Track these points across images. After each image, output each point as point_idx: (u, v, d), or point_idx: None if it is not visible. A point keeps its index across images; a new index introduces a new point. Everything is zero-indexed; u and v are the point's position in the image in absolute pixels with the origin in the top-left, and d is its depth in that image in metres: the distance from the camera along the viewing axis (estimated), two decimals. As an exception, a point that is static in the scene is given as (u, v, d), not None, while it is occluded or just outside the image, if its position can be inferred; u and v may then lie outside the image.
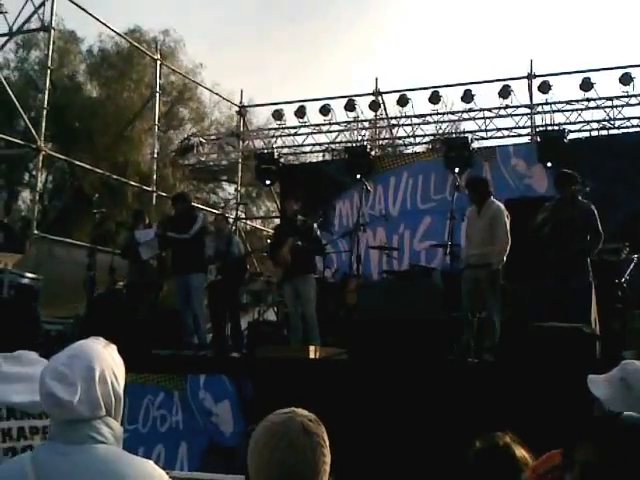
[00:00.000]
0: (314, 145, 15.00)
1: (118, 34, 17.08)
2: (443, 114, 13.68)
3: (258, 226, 19.96)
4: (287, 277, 8.31)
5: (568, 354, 5.56)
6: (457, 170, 11.46)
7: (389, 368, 6.19)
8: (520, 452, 2.52)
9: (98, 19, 13.82)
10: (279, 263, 8.30)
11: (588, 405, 2.47)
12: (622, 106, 12.36)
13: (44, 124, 12.15)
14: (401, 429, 5.66)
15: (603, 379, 2.47)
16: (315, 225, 8.48)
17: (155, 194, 15.16)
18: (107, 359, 2.02)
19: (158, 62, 15.72)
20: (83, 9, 13.08)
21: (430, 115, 13.64)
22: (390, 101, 14.13)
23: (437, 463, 4.93)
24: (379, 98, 14.27)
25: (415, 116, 13.77)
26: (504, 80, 12.99)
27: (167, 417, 6.67)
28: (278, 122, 14.67)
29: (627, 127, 12.47)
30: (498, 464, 2.49)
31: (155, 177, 15.50)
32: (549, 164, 11.26)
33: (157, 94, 15.80)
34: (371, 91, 14.37)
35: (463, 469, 2.62)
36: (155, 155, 16.07)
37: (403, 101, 13.47)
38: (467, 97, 12.96)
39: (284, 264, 8.18)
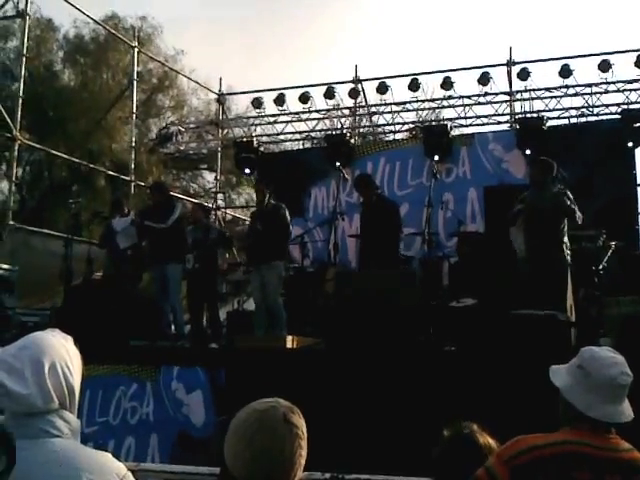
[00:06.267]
0: (294, 133, 14.95)
1: (96, 22, 16.87)
2: (423, 101, 13.68)
3: (238, 215, 19.85)
4: (253, 264, 8.28)
5: (543, 341, 5.57)
6: (436, 157, 11.44)
7: (367, 357, 6.16)
8: (485, 439, 2.55)
9: (75, 6, 13.60)
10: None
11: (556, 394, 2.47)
12: (601, 93, 12.39)
13: (20, 113, 11.98)
14: (375, 417, 5.65)
15: (563, 368, 2.47)
16: (283, 208, 8.22)
17: (133, 183, 15.03)
18: (59, 351, 1.96)
19: (136, 50, 15.51)
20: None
21: (410, 102, 13.62)
22: (370, 89, 14.12)
23: (411, 450, 4.91)
24: (359, 86, 14.20)
25: (395, 103, 13.73)
26: (483, 67, 12.96)
27: (137, 409, 6.58)
28: (257, 110, 14.58)
29: (606, 114, 12.48)
30: (463, 452, 2.52)
31: (133, 166, 15.36)
32: (528, 151, 11.25)
33: (135, 82, 15.61)
34: (351, 79, 14.27)
35: (431, 457, 2.64)
36: (133, 144, 15.92)
37: (383, 89, 13.43)
38: (446, 84, 12.93)
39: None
